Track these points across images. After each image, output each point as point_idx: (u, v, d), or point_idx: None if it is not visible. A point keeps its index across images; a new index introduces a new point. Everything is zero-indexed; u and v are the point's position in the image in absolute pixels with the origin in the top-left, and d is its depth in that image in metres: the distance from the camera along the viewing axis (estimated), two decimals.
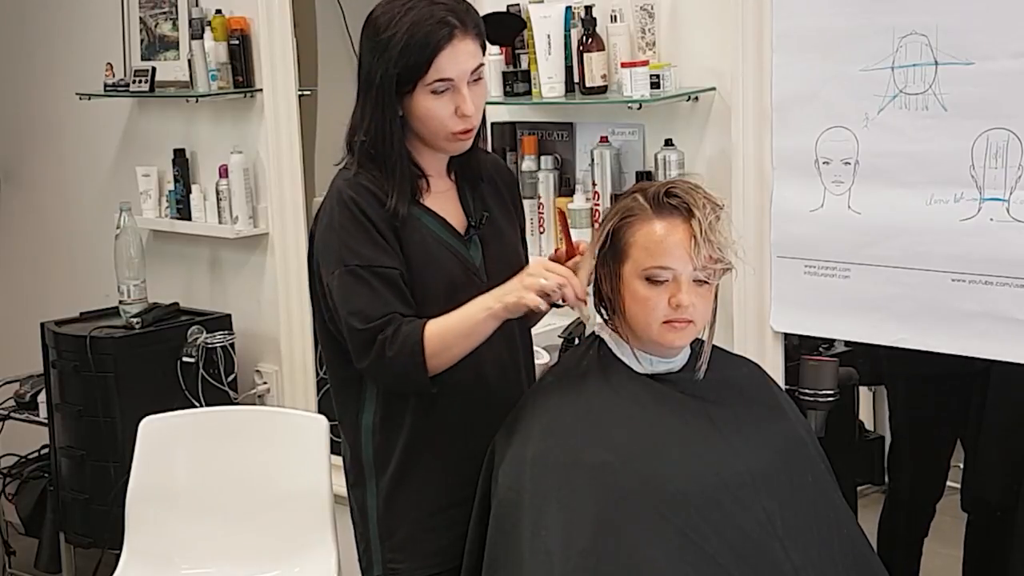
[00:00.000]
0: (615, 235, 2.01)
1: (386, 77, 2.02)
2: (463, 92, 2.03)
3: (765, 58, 2.58)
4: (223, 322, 3.73)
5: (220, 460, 3.08)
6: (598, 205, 2.86)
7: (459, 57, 2.02)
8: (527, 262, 2.28)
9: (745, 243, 2.55)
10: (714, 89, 2.73)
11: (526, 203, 2.99)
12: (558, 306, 2.02)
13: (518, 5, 2.95)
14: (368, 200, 2.05)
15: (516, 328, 2.18)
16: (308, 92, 3.72)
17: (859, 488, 3.28)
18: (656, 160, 2.79)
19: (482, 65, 2.07)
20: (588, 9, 2.81)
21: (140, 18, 3.94)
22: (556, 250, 2.25)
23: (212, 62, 3.63)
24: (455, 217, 2.15)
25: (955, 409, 3.12)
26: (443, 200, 2.15)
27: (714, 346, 2.06)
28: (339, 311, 2.05)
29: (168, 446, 3.08)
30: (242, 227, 3.69)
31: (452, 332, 2.00)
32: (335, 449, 2.87)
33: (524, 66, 2.94)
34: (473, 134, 2.09)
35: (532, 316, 2.22)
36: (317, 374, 3.65)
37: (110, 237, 3.73)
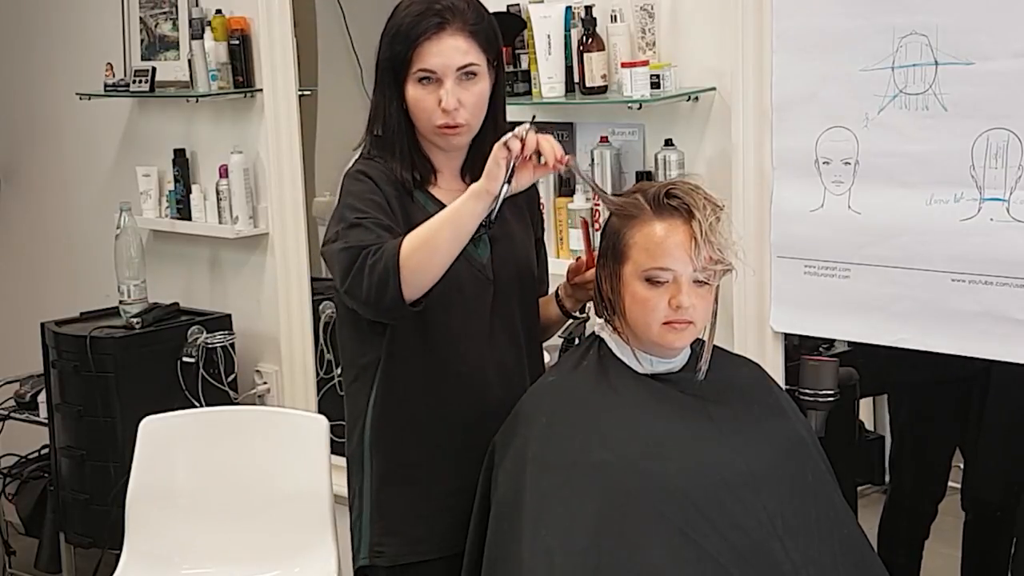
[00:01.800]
0: (615, 236, 2.01)
1: (383, 63, 2.09)
2: (445, 85, 2.05)
3: (765, 58, 2.58)
4: (223, 322, 3.73)
5: (220, 460, 3.08)
6: (598, 205, 2.86)
7: (443, 50, 2.04)
8: (544, 268, 2.31)
9: (745, 243, 2.55)
10: (714, 89, 2.73)
11: None
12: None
13: (518, 5, 2.95)
14: (377, 173, 2.09)
15: (521, 333, 2.20)
16: (308, 92, 3.72)
17: (859, 488, 3.28)
18: (656, 160, 2.79)
19: (474, 64, 2.07)
20: (588, 9, 2.81)
21: (140, 18, 3.94)
22: (577, 259, 2.26)
23: (212, 62, 3.63)
24: None
25: (956, 410, 3.12)
26: (456, 198, 2.14)
27: (714, 346, 2.06)
28: (332, 251, 2.00)
29: (168, 446, 3.08)
30: (242, 227, 3.69)
31: (434, 223, 1.95)
32: (335, 449, 2.87)
33: (524, 66, 2.93)
34: (462, 131, 2.10)
35: (552, 325, 2.28)
36: (317, 374, 3.65)
37: (110, 237, 3.73)
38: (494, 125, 2.16)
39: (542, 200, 2.99)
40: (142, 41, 3.94)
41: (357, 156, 2.16)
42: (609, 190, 2.84)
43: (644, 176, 2.80)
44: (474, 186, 1.96)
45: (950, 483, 3.25)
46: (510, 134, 1.93)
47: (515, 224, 2.23)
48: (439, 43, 2.04)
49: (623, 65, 2.74)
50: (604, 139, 2.87)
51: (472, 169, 2.17)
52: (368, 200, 2.05)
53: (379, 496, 2.18)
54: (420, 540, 2.15)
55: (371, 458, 2.18)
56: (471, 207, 1.94)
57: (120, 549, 3.05)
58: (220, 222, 3.74)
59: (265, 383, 3.81)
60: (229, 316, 3.76)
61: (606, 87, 2.81)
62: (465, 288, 2.10)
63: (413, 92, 2.07)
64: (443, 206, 2.12)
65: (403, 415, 2.14)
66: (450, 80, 2.05)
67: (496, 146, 1.93)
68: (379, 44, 2.11)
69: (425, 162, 2.15)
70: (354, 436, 2.21)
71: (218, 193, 3.73)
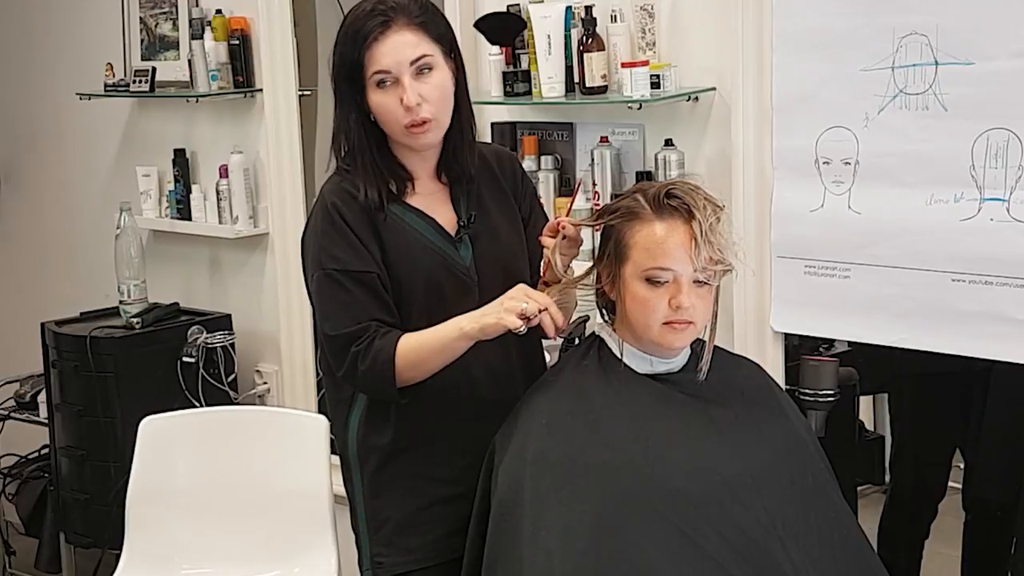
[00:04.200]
0: (615, 236, 2.01)
1: (338, 74, 2.06)
2: (403, 83, 2.02)
3: (765, 58, 2.58)
4: (223, 322, 3.73)
5: (220, 460, 3.08)
6: (598, 205, 2.85)
7: (395, 48, 2.02)
8: (535, 245, 2.20)
9: (745, 243, 2.56)
10: (714, 89, 2.73)
11: None
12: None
13: (518, 5, 2.95)
14: (347, 203, 2.07)
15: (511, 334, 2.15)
16: (308, 92, 3.72)
17: (859, 488, 3.28)
18: (656, 160, 2.79)
19: (427, 56, 2.04)
20: (588, 9, 2.81)
21: (140, 18, 3.94)
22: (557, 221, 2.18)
23: (212, 62, 3.63)
24: (446, 218, 2.15)
25: (957, 409, 3.12)
26: (434, 201, 2.15)
27: (715, 346, 2.06)
28: (316, 315, 2.10)
29: (168, 446, 3.07)
30: (242, 227, 3.70)
31: (424, 349, 2.02)
32: (335, 449, 2.87)
33: (524, 66, 2.94)
34: (430, 127, 2.06)
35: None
36: (317, 374, 3.65)
37: (110, 237, 3.73)
38: (459, 121, 2.13)
39: (542, 200, 3.00)
40: (142, 41, 3.94)
41: (335, 177, 2.13)
42: (609, 190, 2.84)
43: (644, 176, 2.80)
44: (467, 328, 1.98)
45: (950, 483, 3.25)
46: (515, 312, 1.94)
47: (497, 214, 2.19)
48: (387, 41, 2.02)
49: (623, 65, 2.74)
50: (604, 139, 2.87)
51: (448, 168, 2.15)
52: (339, 242, 2.06)
53: (371, 506, 2.17)
54: (414, 549, 2.15)
55: (360, 471, 2.18)
56: (462, 346, 2.01)
57: (120, 549, 3.05)
58: (220, 222, 3.74)
59: (265, 383, 3.81)
60: (229, 316, 3.76)
61: (606, 87, 2.81)
62: (448, 296, 2.09)
63: (374, 98, 2.05)
64: (420, 214, 2.12)
65: (387, 426, 2.13)
66: (407, 76, 2.02)
67: (512, 321, 1.94)
68: (332, 58, 2.08)
69: (399, 169, 2.12)
70: (340, 445, 2.21)
71: (218, 193, 3.73)
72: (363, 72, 2.04)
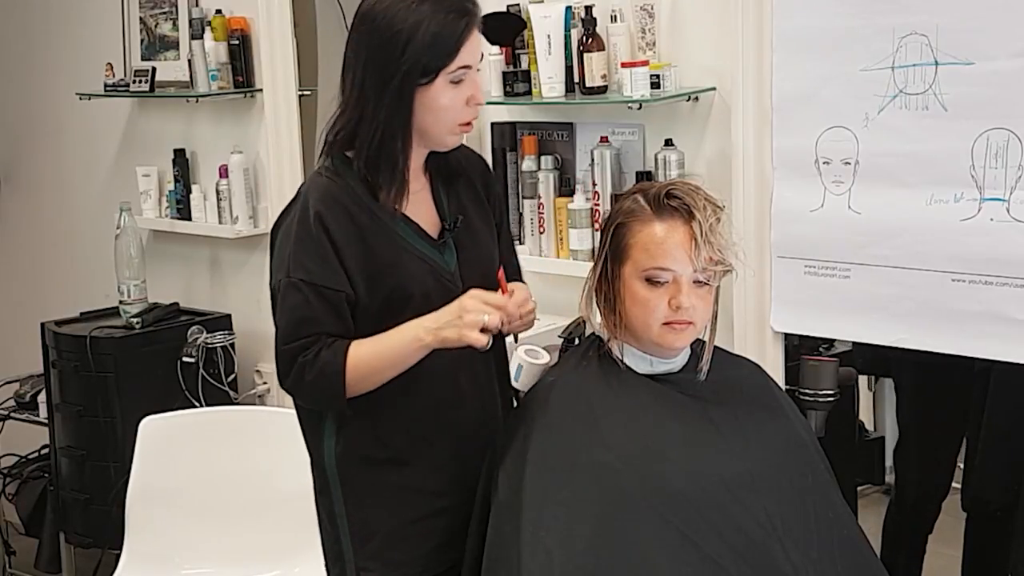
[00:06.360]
0: (615, 236, 2.01)
1: (409, 73, 1.96)
2: (476, 79, 2.01)
3: (765, 58, 2.58)
4: (223, 322, 3.73)
5: (220, 460, 3.08)
6: (598, 205, 2.86)
7: (476, 45, 2.01)
8: (503, 252, 2.19)
9: (745, 243, 2.56)
10: (714, 89, 2.73)
11: (525, 203, 3.00)
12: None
13: (518, 5, 2.95)
14: (334, 212, 1.98)
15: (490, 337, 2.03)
16: (308, 92, 3.72)
17: (859, 488, 3.28)
18: (656, 160, 2.79)
19: (483, 54, 2.07)
20: (588, 9, 2.81)
21: (140, 18, 3.94)
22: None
23: (212, 62, 3.63)
24: (428, 221, 2.08)
25: (961, 407, 3.12)
26: (416, 202, 2.06)
27: (715, 347, 2.06)
28: (277, 325, 2.02)
29: (168, 446, 3.08)
30: (242, 227, 3.70)
31: (379, 360, 1.96)
32: None
33: (524, 66, 2.94)
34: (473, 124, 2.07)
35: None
36: None
37: (110, 237, 3.73)
38: None
39: (542, 200, 3.00)
40: (142, 41, 3.94)
41: (321, 179, 2.03)
42: (609, 190, 2.84)
43: (644, 176, 2.81)
44: (426, 340, 1.93)
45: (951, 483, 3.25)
46: (477, 327, 1.89)
47: (476, 218, 2.14)
48: (473, 37, 2.00)
49: (623, 65, 2.74)
50: (604, 139, 2.88)
51: (435, 163, 2.10)
52: (313, 254, 1.97)
53: (356, 520, 2.09)
54: (403, 563, 2.09)
55: (339, 480, 2.09)
56: (420, 356, 1.96)
57: (120, 549, 3.06)
58: (220, 222, 3.75)
59: (265, 383, 3.81)
60: (229, 316, 3.76)
61: (606, 87, 2.81)
62: (435, 304, 1.99)
63: (444, 93, 1.97)
64: (407, 221, 2.04)
65: (369, 438, 2.06)
66: (476, 74, 2.02)
67: (475, 337, 1.89)
68: (385, 59, 1.97)
69: (407, 172, 2.04)
70: (315, 454, 2.12)
71: (218, 193, 3.73)
72: (446, 67, 1.97)
